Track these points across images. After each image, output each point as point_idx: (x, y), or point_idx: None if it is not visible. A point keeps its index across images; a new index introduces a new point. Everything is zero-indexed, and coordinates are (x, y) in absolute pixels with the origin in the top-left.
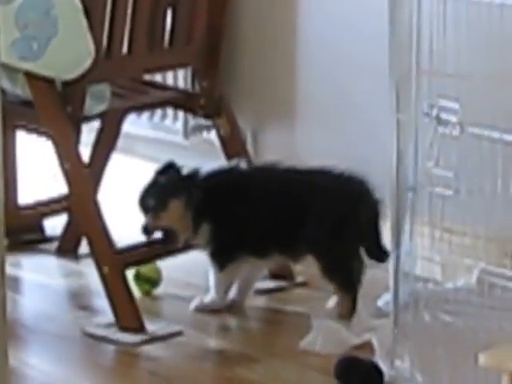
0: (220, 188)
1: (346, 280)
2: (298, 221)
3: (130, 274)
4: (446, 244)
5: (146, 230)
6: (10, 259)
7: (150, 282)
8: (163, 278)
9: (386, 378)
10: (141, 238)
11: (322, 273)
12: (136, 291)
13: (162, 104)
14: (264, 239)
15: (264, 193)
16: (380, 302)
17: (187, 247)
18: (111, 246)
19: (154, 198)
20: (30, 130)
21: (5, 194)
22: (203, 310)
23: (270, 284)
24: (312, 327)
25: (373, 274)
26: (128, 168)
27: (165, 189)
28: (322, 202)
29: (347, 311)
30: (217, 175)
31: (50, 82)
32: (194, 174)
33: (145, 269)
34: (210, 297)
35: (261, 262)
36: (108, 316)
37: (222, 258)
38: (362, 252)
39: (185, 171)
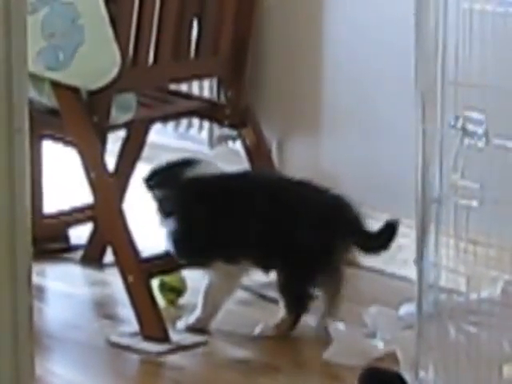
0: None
1: (296, 302)
2: (268, 232)
3: (154, 283)
4: (470, 255)
5: None
6: (34, 268)
7: (175, 292)
8: (188, 287)
9: None
10: (166, 247)
11: (277, 286)
12: (160, 301)
13: (188, 114)
14: (235, 247)
15: (238, 200)
16: (402, 312)
17: None
18: (136, 256)
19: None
20: (56, 139)
21: (30, 203)
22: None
23: None
24: (332, 338)
25: (395, 284)
26: None
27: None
28: (294, 216)
29: (284, 327)
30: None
31: (75, 91)
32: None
33: (169, 278)
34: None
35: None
36: (132, 325)
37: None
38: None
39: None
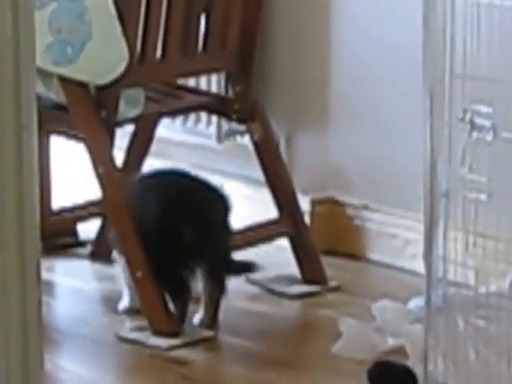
0: None
1: (173, 290)
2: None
3: None
4: (479, 249)
5: None
6: (43, 263)
7: None
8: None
9: (420, 382)
10: None
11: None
12: None
13: (196, 108)
14: None
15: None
16: (411, 305)
17: None
18: (144, 251)
19: None
20: (65, 135)
21: (39, 199)
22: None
23: (304, 288)
24: (341, 332)
25: (403, 278)
26: None
27: None
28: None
29: (176, 318)
30: None
31: (84, 86)
32: None
33: None
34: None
35: None
36: (141, 320)
37: None
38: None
39: None
